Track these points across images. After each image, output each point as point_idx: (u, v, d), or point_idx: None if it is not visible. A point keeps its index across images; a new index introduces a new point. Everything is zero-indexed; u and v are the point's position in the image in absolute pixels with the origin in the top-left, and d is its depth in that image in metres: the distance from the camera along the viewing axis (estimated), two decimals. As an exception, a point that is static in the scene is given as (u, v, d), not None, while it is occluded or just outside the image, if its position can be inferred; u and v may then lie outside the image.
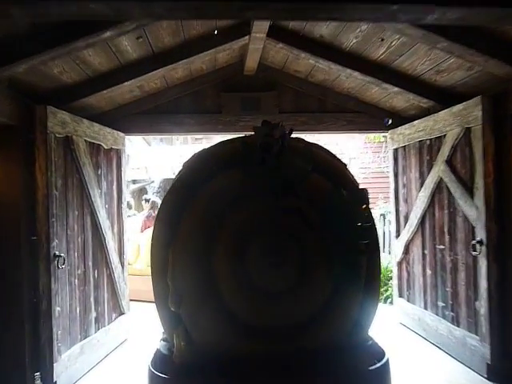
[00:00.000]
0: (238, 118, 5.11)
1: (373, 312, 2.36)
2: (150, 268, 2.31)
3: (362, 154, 12.27)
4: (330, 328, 2.28)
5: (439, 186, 4.27)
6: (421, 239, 4.70)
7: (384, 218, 7.58)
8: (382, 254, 6.50)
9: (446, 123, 4.08)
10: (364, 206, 2.26)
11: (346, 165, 2.48)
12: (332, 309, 2.25)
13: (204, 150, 2.45)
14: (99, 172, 4.38)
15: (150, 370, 2.27)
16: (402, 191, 5.15)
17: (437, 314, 4.36)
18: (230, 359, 2.13)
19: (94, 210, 4.17)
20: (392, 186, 5.33)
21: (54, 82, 3.60)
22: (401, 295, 5.21)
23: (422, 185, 4.60)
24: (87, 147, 4.08)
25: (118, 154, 4.86)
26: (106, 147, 4.52)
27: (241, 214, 2.22)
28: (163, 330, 2.40)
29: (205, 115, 5.12)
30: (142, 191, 17.87)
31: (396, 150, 5.24)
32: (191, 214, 2.26)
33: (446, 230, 4.19)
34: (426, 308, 4.59)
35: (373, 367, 2.20)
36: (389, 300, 6.13)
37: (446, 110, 4.06)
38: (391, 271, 6.32)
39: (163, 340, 2.44)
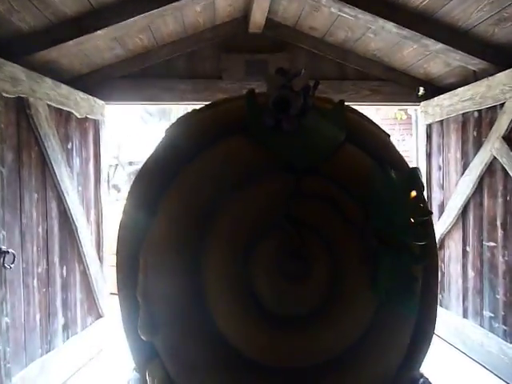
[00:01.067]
0: (242, 84, 4.24)
1: (428, 340, 1.40)
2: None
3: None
4: (372, 366, 1.31)
5: (491, 168, 3.43)
6: (461, 233, 3.88)
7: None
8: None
9: (504, 89, 3.22)
10: (417, 193, 1.29)
11: (389, 136, 1.43)
12: (375, 339, 1.29)
13: (194, 112, 1.33)
14: (69, 146, 3.55)
15: None
16: (436, 175, 4.31)
17: (482, 326, 3.56)
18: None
19: (61, 193, 3.36)
20: (423, 168, 4.48)
21: (1, 25, 2.74)
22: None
23: (465, 167, 3.76)
24: (51, 114, 3.25)
25: (96, 125, 4.03)
26: (78, 116, 3.68)
27: (244, 200, 1.19)
28: (133, 363, 1.40)
29: (202, 81, 4.26)
30: (140, 173, 17.05)
31: (430, 126, 4.38)
32: (173, 201, 1.24)
33: (498, 223, 3.36)
34: (465, 317, 3.79)
35: None
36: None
37: (506, 72, 3.20)
38: (415, 267, 5.52)
39: (135, 370, 1.43)
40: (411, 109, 6.89)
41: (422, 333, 1.36)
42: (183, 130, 1.26)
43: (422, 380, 1.46)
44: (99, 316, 4.00)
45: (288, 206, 1.12)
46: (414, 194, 1.28)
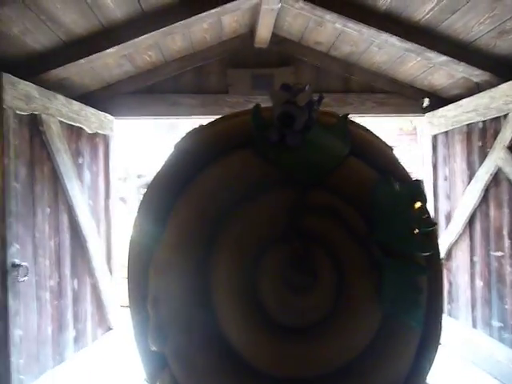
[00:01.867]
0: (248, 98, 4.33)
1: (435, 350, 1.49)
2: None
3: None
4: (378, 376, 1.37)
5: (496, 178, 3.46)
6: (468, 243, 3.89)
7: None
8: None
9: (508, 99, 3.26)
10: (421, 204, 1.49)
11: (392, 148, 1.47)
12: (381, 350, 1.38)
13: (202, 127, 1.39)
14: (80, 161, 3.63)
15: None
16: (442, 185, 4.33)
17: (491, 336, 3.55)
18: None
19: (72, 207, 3.43)
20: (429, 179, 4.51)
21: (16, 45, 2.85)
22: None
23: (471, 177, 3.79)
24: (63, 130, 3.34)
25: (106, 140, 4.11)
26: (89, 131, 3.77)
27: (251, 212, 1.14)
28: (144, 374, 1.55)
29: (209, 95, 4.35)
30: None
31: (435, 137, 4.42)
32: (182, 213, 1.19)
33: (505, 232, 3.38)
34: (474, 326, 3.79)
35: None
36: (421, 311, 5.32)
37: (508, 83, 3.24)
38: (423, 277, 5.51)
39: (147, 382, 1.60)
40: (416, 120, 6.96)
41: (428, 343, 1.37)
42: (192, 144, 1.26)
43: None
44: (109, 328, 4.04)
45: (294, 218, 1.13)
46: (418, 205, 1.46)
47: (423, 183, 1.21)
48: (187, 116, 4.51)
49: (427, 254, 1.10)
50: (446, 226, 4.20)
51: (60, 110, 3.29)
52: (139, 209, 1.21)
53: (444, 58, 3.46)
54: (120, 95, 4.23)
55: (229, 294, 1.09)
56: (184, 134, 1.27)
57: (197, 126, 1.26)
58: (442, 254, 4.27)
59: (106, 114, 4.12)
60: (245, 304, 1.06)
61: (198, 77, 4.37)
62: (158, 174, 1.20)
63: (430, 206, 4.55)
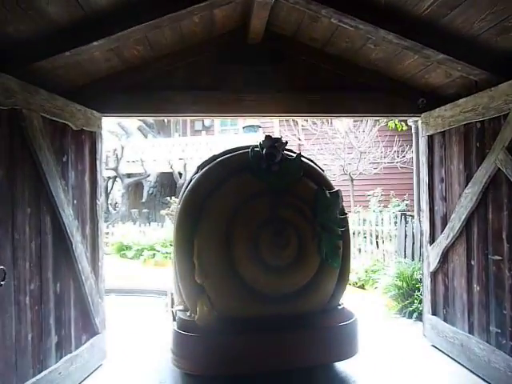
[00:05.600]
0: (240, 96, 4.20)
1: (346, 282, 3.68)
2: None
3: (371, 148, 11.31)
4: (317, 295, 3.37)
5: (495, 179, 3.36)
6: (465, 246, 3.79)
7: (405, 218, 6.65)
8: (401, 259, 5.62)
9: (508, 99, 3.16)
10: (340, 202, 3.58)
11: (323, 170, 3.89)
12: (319, 280, 3.37)
13: (216, 156, 3.60)
14: (64, 159, 3.47)
15: (177, 332, 3.23)
16: (438, 187, 4.24)
17: (488, 342, 3.46)
18: (243, 319, 3.15)
19: (56, 208, 3.27)
20: (425, 180, 4.41)
21: (-5, 35, 2.69)
22: (435, 313, 4.30)
23: (468, 179, 3.69)
24: (46, 126, 3.17)
25: (92, 137, 3.95)
26: (74, 128, 3.61)
27: (253, 208, 3.27)
28: (185, 300, 3.35)
29: (199, 93, 4.20)
30: (139, 186, 16.98)
31: (431, 137, 4.32)
32: (213, 208, 3.26)
33: (504, 236, 3.28)
34: (471, 332, 3.69)
35: (342, 324, 3.41)
36: (414, 315, 5.23)
37: (509, 82, 3.14)
38: (417, 280, 5.44)
39: (181, 310, 3.47)
40: (411, 120, 6.87)
41: (342, 276, 3.55)
42: (213, 167, 3.43)
43: (341, 306, 3.65)
44: (95, 333, 3.88)
45: (276, 210, 3.29)
46: (339, 203, 3.58)
47: (341, 191, 3.62)
48: (177, 113, 4.37)
49: (342, 229, 3.53)
50: (443, 229, 4.10)
51: (43, 105, 3.13)
52: (182, 208, 3.45)
53: (442, 55, 3.36)
54: (108, 91, 4.06)
55: (242, 250, 3.19)
56: (203, 161, 3.70)
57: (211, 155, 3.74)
58: (438, 257, 4.17)
59: (93, 111, 3.96)
60: (251, 255, 3.19)
61: (189, 73, 4.22)
62: (193, 186, 3.47)
63: (424, 207, 4.45)
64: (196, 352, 3.23)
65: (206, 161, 3.63)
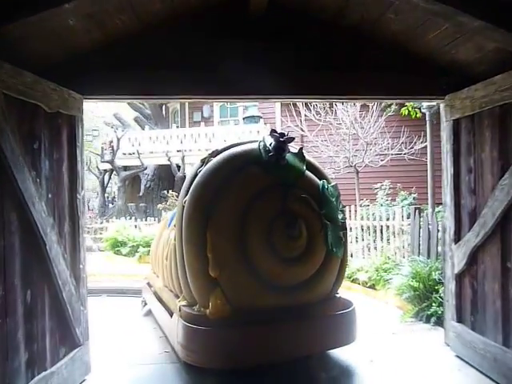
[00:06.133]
0: (239, 76, 3.68)
1: (343, 274, 3.98)
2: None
3: (378, 139, 10.77)
4: (322, 285, 3.63)
5: (540, 169, 2.87)
6: (500, 246, 3.30)
7: (419, 212, 6.15)
8: (415, 257, 5.15)
9: (559, 73, 2.66)
10: (338, 195, 3.80)
11: (322, 167, 4.11)
12: (324, 270, 3.60)
13: (219, 151, 3.67)
14: (36, 146, 2.97)
15: (187, 326, 3.33)
16: (465, 178, 3.74)
17: (529, 357, 2.98)
18: (256, 310, 3.32)
19: (24, 203, 2.78)
20: (449, 171, 3.91)
21: None
22: (460, 319, 3.82)
23: (504, 169, 3.20)
24: (10, 106, 2.67)
25: (72, 122, 3.45)
26: (48, 110, 3.11)
27: (265, 201, 3.40)
28: (195, 295, 3.42)
29: (195, 73, 3.68)
30: (136, 179, 16.47)
31: (457, 122, 3.81)
32: (225, 202, 3.36)
33: (551, 235, 2.79)
34: (507, 345, 3.21)
35: (340, 312, 3.70)
36: (433, 319, 4.75)
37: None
38: (435, 281, 4.96)
39: (185, 306, 3.52)
40: (425, 106, 6.36)
41: (343, 265, 3.86)
42: (218, 161, 3.50)
43: (338, 296, 3.94)
44: (76, 345, 3.41)
45: (286, 203, 3.44)
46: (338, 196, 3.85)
47: (337, 185, 3.92)
48: (169, 97, 3.88)
49: (343, 221, 3.88)
50: (471, 226, 3.61)
51: (5, 80, 2.63)
52: (193, 201, 3.45)
53: (480, 22, 2.84)
54: (90, 70, 3.54)
55: (257, 242, 3.35)
56: (211, 152, 3.76)
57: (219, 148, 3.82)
58: (465, 257, 3.69)
59: (73, 92, 3.46)
60: (265, 247, 3.35)
61: (182, 50, 3.70)
62: (201, 180, 3.49)
63: (448, 201, 3.96)
64: (208, 345, 3.31)
65: (210, 154, 3.67)
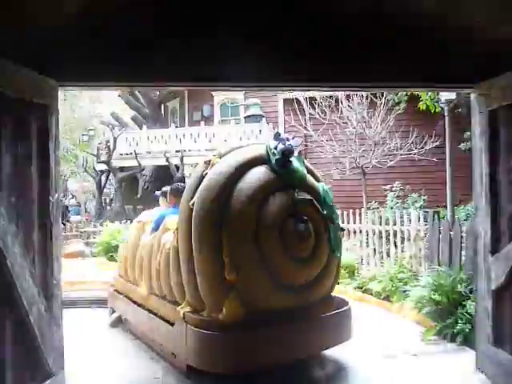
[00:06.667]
0: (239, 58, 3.14)
1: (339, 274, 4.14)
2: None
3: (386, 139, 10.19)
4: (325, 284, 3.78)
5: None
6: (551, 259, 2.77)
7: (438, 217, 5.61)
8: (436, 267, 4.63)
9: None
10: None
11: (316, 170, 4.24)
12: (326, 270, 3.74)
13: (231, 150, 3.76)
14: (-6, 138, 2.45)
15: (199, 332, 3.27)
16: (504, 180, 3.21)
17: None
18: (269, 311, 3.31)
19: (-24, 207, 2.25)
20: (485, 170, 3.38)
21: None
22: (497, 342, 3.28)
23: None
24: (-44, 88, 2.15)
25: (44, 112, 2.93)
26: (12, 96, 2.59)
27: (277, 202, 3.45)
28: (207, 300, 3.36)
29: (191, 54, 3.15)
30: (133, 181, 15.94)
31: (494, 113, 3.28)
32: (239, 205, 3.35)
33: None
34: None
35: (336, 311, 3.81)
36: (459, 338, 4.21)
37: None
38: (460, 294, 4.43)
39: (189, 312, 3.44)
40: (444, 100, 5.81)
41: (338, 265, 4.12)
42: (229, 161, 3.56)
43: (333, 295, 4.20)
44: (47, 376, 2.88)
45: (294, 205, 3.53)
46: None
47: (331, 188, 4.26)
48: (159, 85, 3.35)
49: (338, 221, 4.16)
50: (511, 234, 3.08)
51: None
52: (204, 208, 3.38)
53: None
54: (67, 51, 3.02)
55: (272, 243, 3.37)
56: (216, 153, 3.80)
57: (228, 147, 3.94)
58: (505, 271, 3.16)
59: (45, 77, 2.93)
60: (279, 247, 3.38)
61: (175, 22, 3.15)
62: (210, 185, 3.45)
63: (483, 205, 3.42)
64: (224, 350, 3.28)
65: (214, 156, 3.66)
